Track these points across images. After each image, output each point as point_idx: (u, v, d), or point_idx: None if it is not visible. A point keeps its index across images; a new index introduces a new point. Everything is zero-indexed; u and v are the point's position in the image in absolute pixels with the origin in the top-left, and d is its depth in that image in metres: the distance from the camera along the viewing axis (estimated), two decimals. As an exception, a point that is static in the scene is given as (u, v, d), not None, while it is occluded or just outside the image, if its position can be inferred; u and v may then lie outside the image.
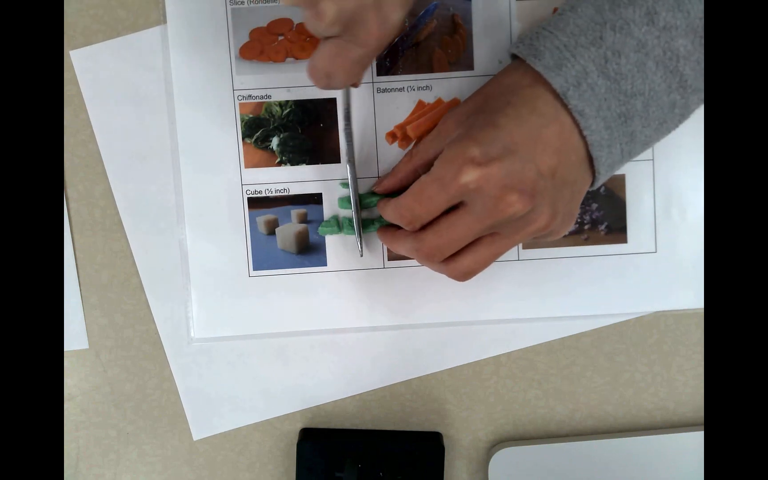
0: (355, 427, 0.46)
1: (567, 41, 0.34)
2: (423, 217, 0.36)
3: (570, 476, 0.45)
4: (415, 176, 0.37)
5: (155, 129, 0.42)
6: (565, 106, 0.33)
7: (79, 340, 0.44)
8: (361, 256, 0.43)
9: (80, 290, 0.44)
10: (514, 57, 0.38)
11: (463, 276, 0.37)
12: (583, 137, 0.34)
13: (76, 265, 0.44)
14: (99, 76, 0.42)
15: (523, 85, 0.35)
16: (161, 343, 0.45)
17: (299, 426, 0.46)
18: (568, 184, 0.35)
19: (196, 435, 0.46)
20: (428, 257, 0.37)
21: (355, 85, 0.39)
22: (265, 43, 0.42)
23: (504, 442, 0.46)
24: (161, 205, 0.43)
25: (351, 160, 0.41)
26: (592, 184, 0.37)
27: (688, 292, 0.44)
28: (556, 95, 0.33)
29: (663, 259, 0.44)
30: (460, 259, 0.37)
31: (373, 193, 0.42)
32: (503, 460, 0.45)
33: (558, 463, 0.45)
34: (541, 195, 0.33)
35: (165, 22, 0.41)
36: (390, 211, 0.38)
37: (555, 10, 0.41)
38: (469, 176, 0.33)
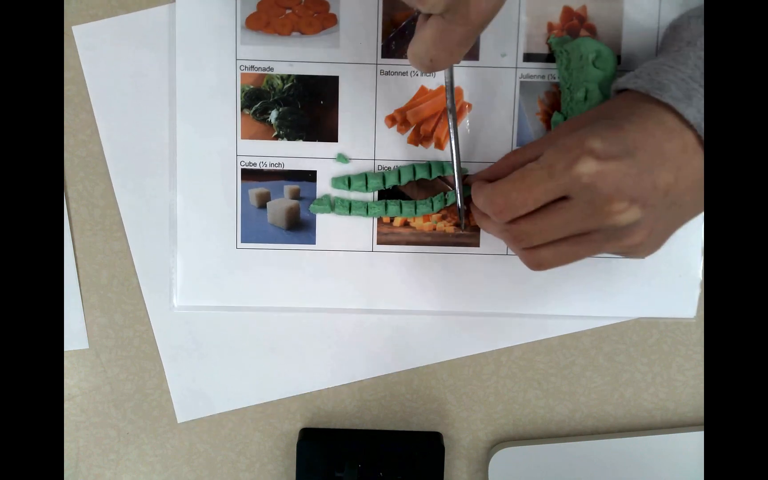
0: (355, 427, 0.46)
1: (692, 73, 0.33)
2: (517, 206, 0.34)
3: (570, 476, 0.45)
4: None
5: (155, 115, 0.42)
6: (691, 127, 0.32)
7: (79, 340, 0.44)
8: (462, 229, 0.43)
9: (80, 290, 0.44)
10: (619, 91, 0.36)
11: (537, 266, 0.36)
12: None
13: (76, 265, 0.44)
14: (102, 53, 0.42)
15: (648, 102, 0.33)
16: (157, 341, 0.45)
17: (299, 426, 0.46)
18: (676, 205, 0.33)
19: (181, 418, 0.46)
20: (515, 240, 0.35)
21: (456, 62, 0.37)
22: (272, 16, 0.42)
23: (504, 442, 0.46)
24: (157, 200, 0.43)
25: (455, 136, 0.39)
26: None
27: (676, 301, 0.44)
28: (682, 118, 0.32)
29: (651, 266, 0.44)
30: (540, 249, 0.35)
31: (374, 176, 0.42)
32: (503, 460, 0.45)
33: (558, 463, 0.45)
34: (650, 210, 0.32)
35: (173, 0, 0.41)
36: (483, 196, 0.36)
37: (565, 7, 0.42)
38: (587, 167, 0.31)
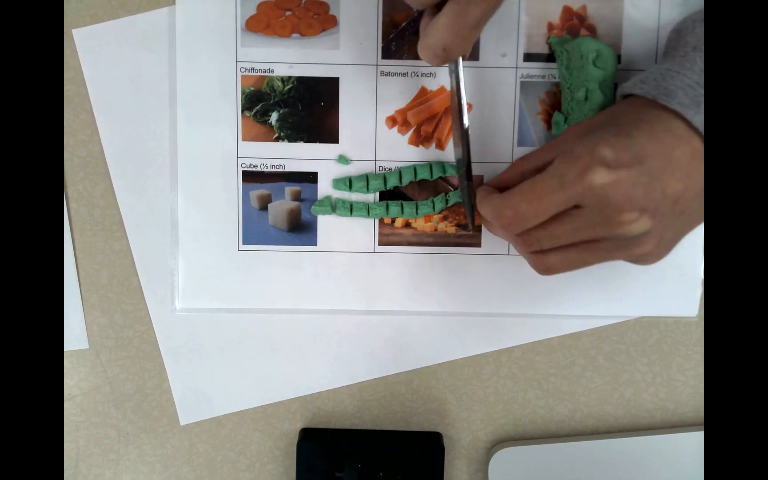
0: (355, 427, 0.46)
1: (698, 79, 0.33)
2: (528, 218, 0.33)
3: (570, 476, 0.45)
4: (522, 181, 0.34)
5: (156, 117, 0.42)
6: (699, 134, 0.32)
7: (79, 340, 0.44)
8: (471, 230, 0.43)
9: (80, 290, 0.44)
10: (624, 96, 0.36)
11: (546, 271, 0.36)
12: None
13: (76, 265, 0.44)
14: (101, 55, 0.42)
15: (655, 108, 0.33)
16: (158, 342, 0.45)
17: (299, 426, 0.46)
18: (685, 214, 0.33)
19: (184, 420, 0.46)
20: (524, 244, 0.35)
21: (464, 56, 0.37)
22: (272, 17, 0.42)
23: (504, 442, 0.46)
24: (158, 202, 0.43)
25: (464, 134, 0.39)
26: None
27: (677, 300, 0.44)
28: (689, 124, 0.32)
29: (652, 265, 0.44)
30: (549, 255, 0.35)
31: (376, 177, 0.42)
32: (503, 460, 0.45)
33: (558, 463, 0.45)
34: (659, 220, 0.32)
35: (173, 2, 0.41)
36: (490, 207, 0.35)
37: (565, 7, 0.42)
38: (600, 177, 0.31)
